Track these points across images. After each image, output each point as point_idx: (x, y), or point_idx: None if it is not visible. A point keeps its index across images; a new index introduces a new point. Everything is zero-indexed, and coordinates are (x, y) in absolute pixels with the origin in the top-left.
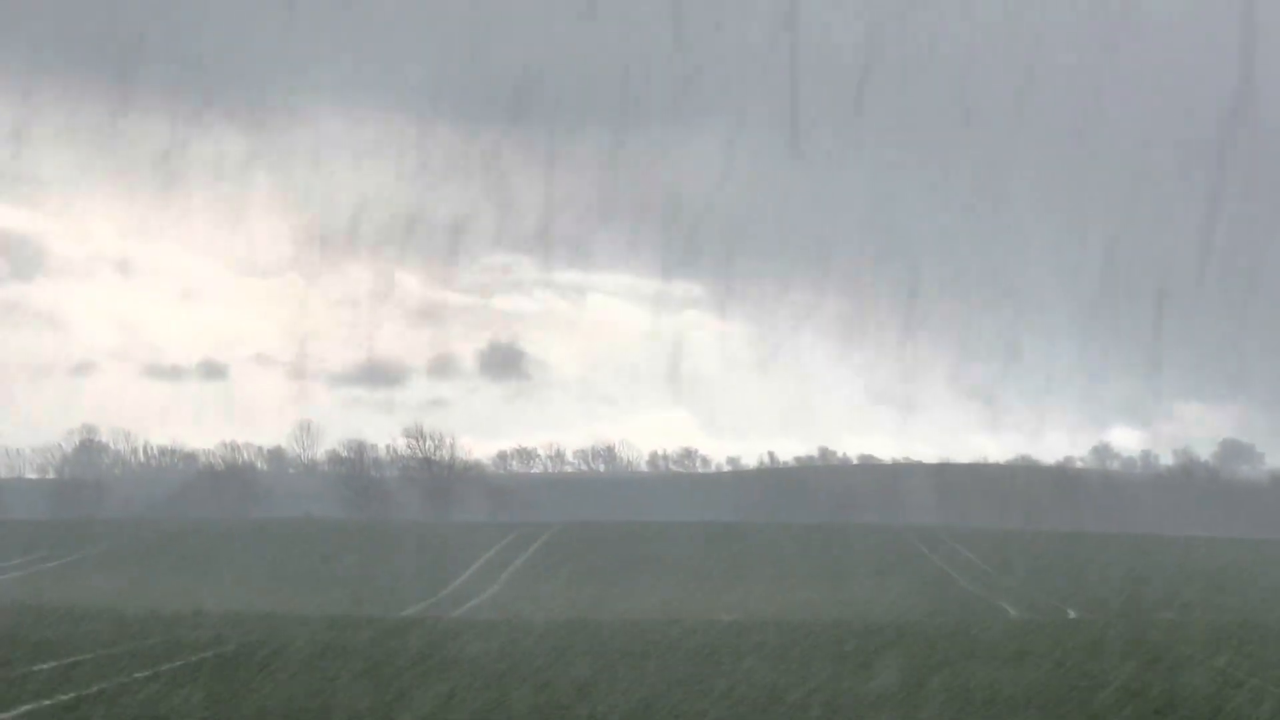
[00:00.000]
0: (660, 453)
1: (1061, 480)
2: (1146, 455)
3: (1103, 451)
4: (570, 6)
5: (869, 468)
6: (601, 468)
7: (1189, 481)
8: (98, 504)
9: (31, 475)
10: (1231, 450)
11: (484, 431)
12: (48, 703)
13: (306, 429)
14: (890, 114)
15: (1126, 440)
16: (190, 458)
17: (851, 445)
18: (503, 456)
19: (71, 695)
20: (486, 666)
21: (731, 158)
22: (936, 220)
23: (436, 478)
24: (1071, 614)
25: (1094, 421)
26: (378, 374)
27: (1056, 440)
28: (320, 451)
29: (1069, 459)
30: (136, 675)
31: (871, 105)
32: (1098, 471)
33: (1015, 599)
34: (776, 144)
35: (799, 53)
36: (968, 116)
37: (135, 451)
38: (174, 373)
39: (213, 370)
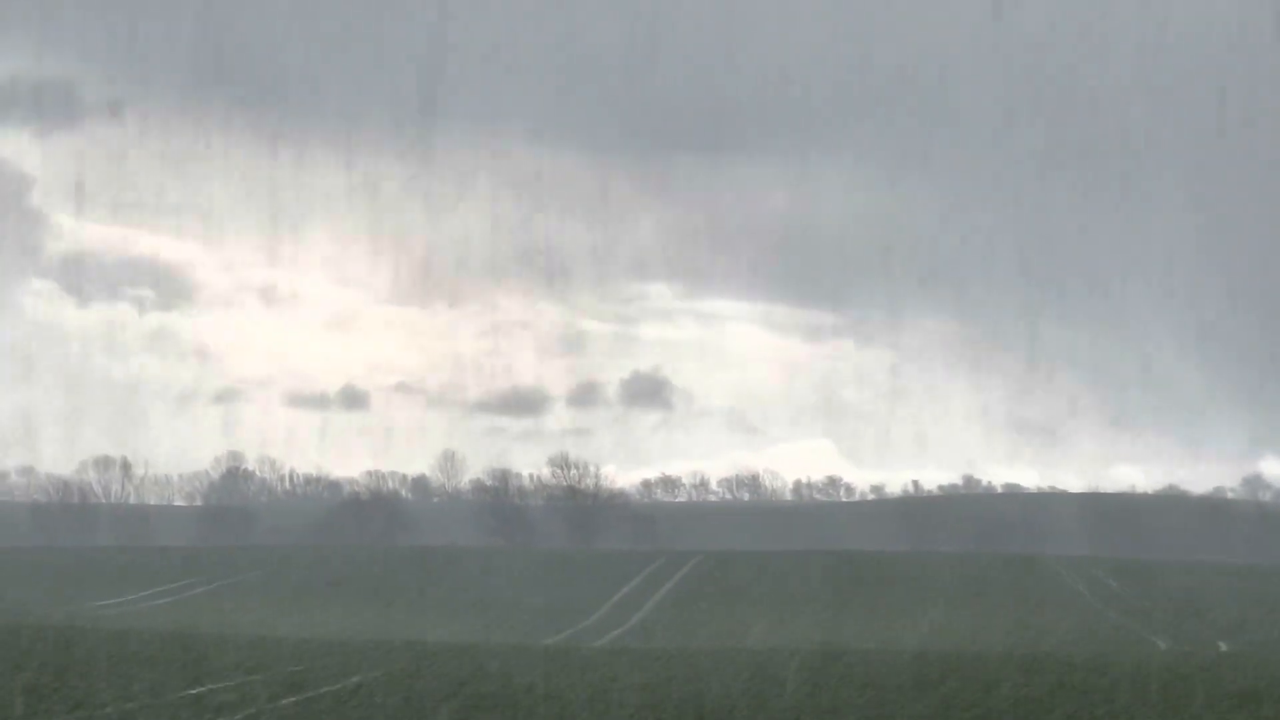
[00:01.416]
0: (804, 481)
1: (1211, 511)
2: None
3: (1254, 482)
4: (710, 42)
5: (1014, 496)
6: (746, 496)
7: None
8: (244, 531)
9: (180, 502)
10: None
11: (626, 460)
12: None
13: (451, 458)
14: (1027, 142)
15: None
16: (335, 486)
17: (996, 474)
18: (647, 485)
19: None
20: (628, 696)
21: (873, 188)
22: (1085, 246)
23: (581, 506)
24: (1223, 647)
25: (1245, 451)
26: (520, 403)
27: (1206, 470)
28: (464, 480)
29: (1219, 489)
30: (282, 702)
31: (1008, 133)
32: (1249, 502)
33: (1165, 632)
34: (916, 174)
35: (933, 85)
36: (1108, 140)
37: (281, 479)
38: (318, 401)
39: (356, 399)
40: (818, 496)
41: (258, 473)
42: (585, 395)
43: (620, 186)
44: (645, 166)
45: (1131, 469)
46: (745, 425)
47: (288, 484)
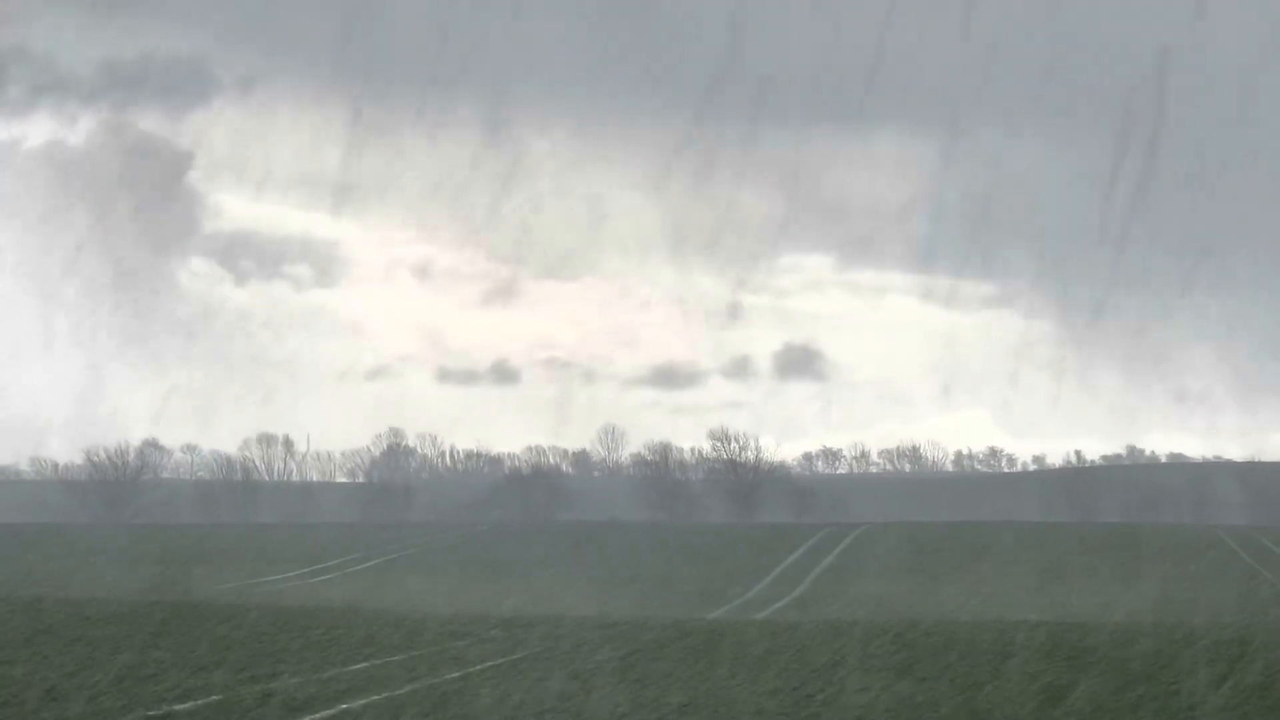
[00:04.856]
0: (965, 452)
1: None
2: None
3: None
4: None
5: (1177, 466)
6: (907, 468)
7: None
8: (406, 507)
9: (341, 479)
10: None
11: (781, 432)
12: (361, 702)
13: (610, 432)
14: (1196, 109)
15: None
16: (495, 461)
17: (1159, 443)
18: (807, 457)
19: (383, 695)
20: (782, 666)
21: (1027, 154)
22: (1244, 214)
23: (741, 480)
24: None
25: None
26: (674, 376)
27: None
28: (625, 454)
29: None
30: (447, 676)
31: (1179, 106)
32: None
33: None
34: (1071, 138)
35: (1096, 48)
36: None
37: (441, 455)
38: (472, 377)
39: (510, 374)
40: (979, 467)
41: (418, 449)
42: (739, 368)
43: (773, 157)
44: (799, 137)
45: None
46: (899, 396)
47: (448, 460)
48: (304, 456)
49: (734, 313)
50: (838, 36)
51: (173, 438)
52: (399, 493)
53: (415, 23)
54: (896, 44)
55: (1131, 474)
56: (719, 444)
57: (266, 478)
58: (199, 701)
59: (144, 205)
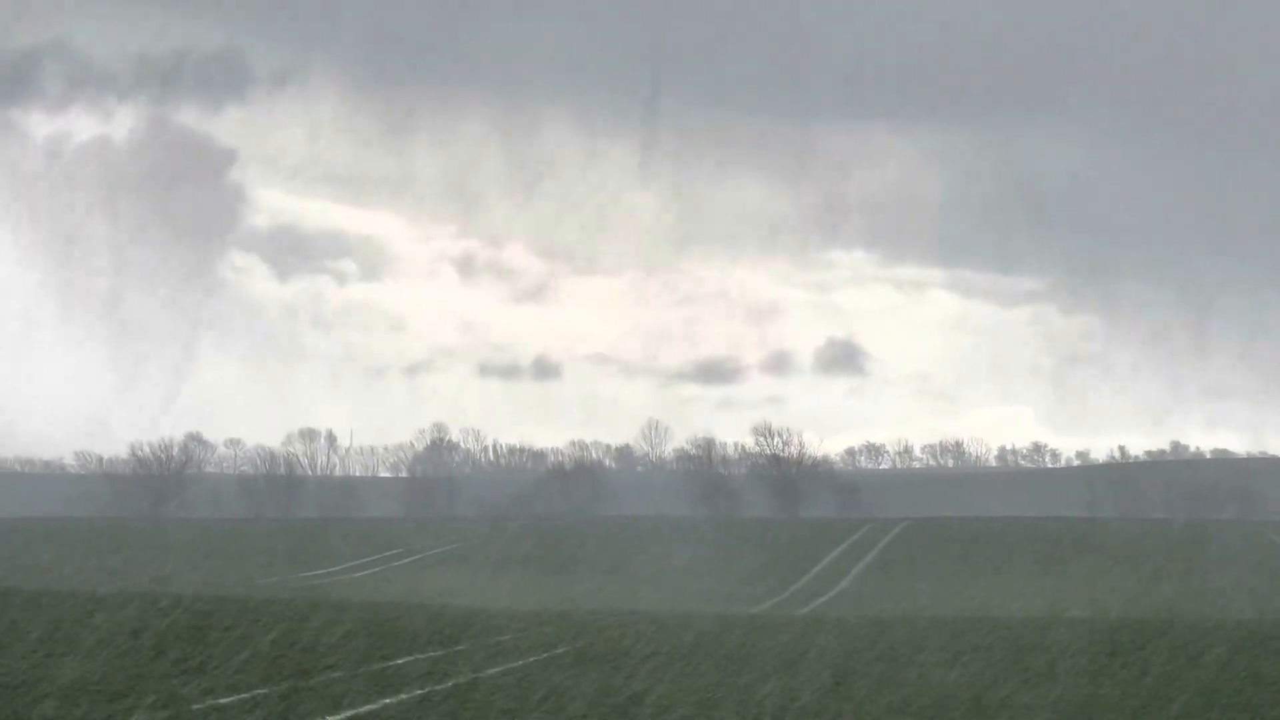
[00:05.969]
0: (1009, 448)
1: None
2: None
3: None
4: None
5: (1222, 462)
6: (950, 463)
7: None
8: (449, 502)
9: (385, 474)
10: None
11: (822, 427)
12: (405, 696)
13: (654, 427)
14: (1240, 107)
15: None
16: (539, 456)
17: (1203, 439)
18: (850, 452)
19: (426, 690)
20: (824, 661)
21: (1076, 154)
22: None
23: (785, 475)
24: None
25: None
26: (715, 371)
27: None
28: (668, 449)
29: None
30: (488, 671)
31: (1219, 98)
32: None
33: None
34: (1121, 139)
35: (1147, 50)
36: None
37: (485, 450)
38: (515, 371)
39: (552, 369)
40: (1022, 463)
41: (461, 444)
42: (780, 363)
43: (815, 153)
44: (841, 133)
45: None
46: (940, 392)
47: (491, 455)
48: (347, 451)
49: (775, 307)
50: (873, 34)
51: (216, 432)
52: (442, 487)
53: (456, 19)
54: (942, 40)
55: (1176, 470)
56: (762, 439)
57: (310, 472)
58: (242, 695)
59: (187, 200)
